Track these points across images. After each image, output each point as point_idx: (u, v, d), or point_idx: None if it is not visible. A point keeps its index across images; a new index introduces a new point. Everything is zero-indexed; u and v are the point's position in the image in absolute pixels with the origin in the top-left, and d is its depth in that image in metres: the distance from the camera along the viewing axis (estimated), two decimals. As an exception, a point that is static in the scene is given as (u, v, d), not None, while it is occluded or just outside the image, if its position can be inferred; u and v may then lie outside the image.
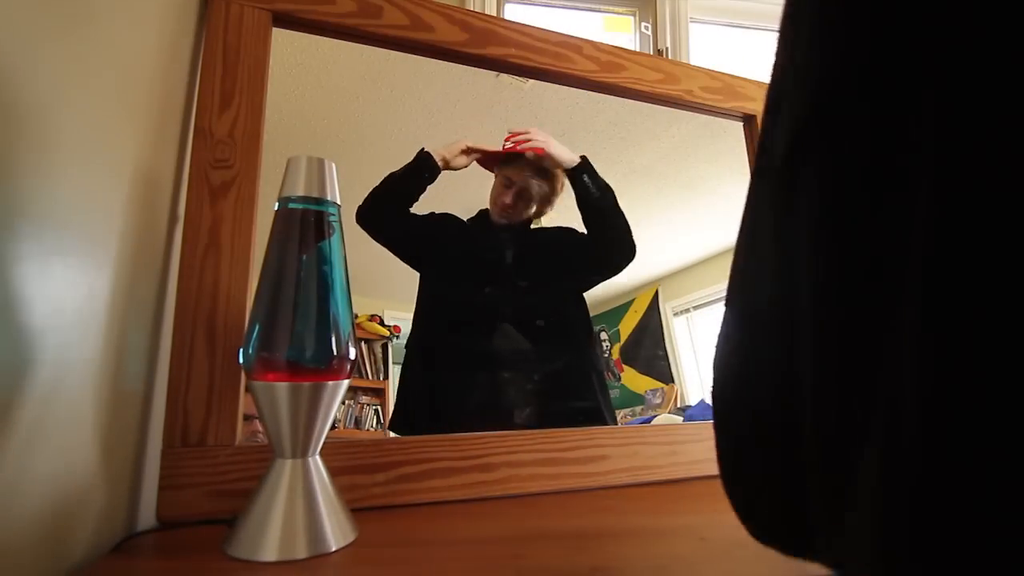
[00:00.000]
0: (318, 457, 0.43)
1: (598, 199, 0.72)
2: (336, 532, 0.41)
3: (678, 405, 0.76)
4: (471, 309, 0.65)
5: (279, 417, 0.41)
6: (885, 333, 0.16)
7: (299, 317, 0.42)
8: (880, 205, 0.17)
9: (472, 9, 1.03)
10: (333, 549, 0.40)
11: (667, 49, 1.25)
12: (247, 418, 0.51)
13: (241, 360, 0.42)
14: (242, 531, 0.39)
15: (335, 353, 0.42)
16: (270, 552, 0.38)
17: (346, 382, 0.44)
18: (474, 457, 0.58)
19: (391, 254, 0.65)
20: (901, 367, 0.16)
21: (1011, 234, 0.14)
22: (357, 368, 0.61)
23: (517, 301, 0.67)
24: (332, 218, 0.45)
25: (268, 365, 0.41)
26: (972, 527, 0.14)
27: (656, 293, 0.78)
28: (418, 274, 0.65)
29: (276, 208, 0.45)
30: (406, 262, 0.64)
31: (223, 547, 0.39)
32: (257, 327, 0.41)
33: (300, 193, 0.44)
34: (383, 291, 0.64)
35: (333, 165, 0.46)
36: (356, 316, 0.61)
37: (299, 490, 0.41)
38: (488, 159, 0.68)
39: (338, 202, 0.46)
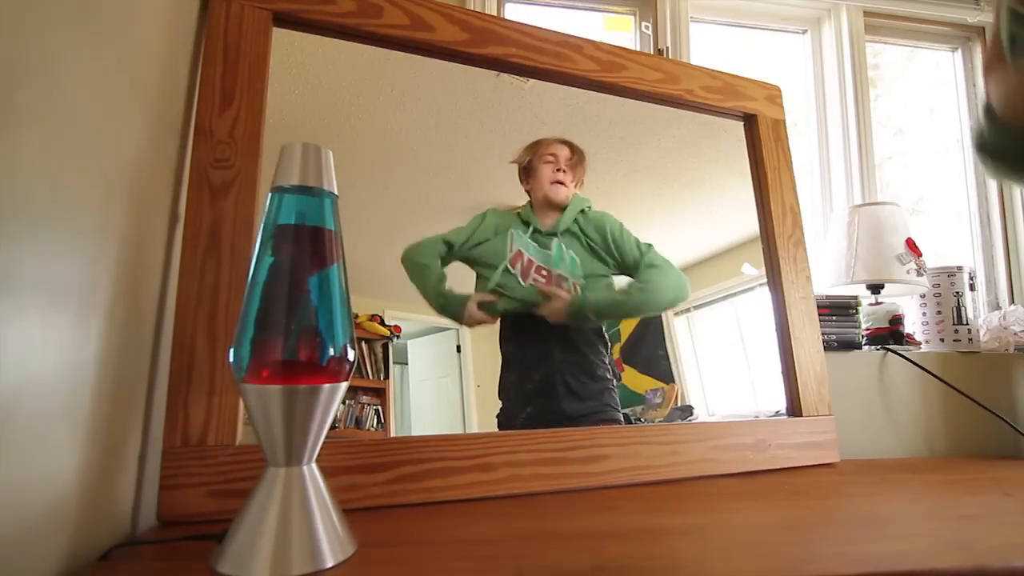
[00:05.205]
0: (314, 465, 0.40)
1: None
2: (335, 546, 0.38)
3: (678, 405, 0.76)
4: None
5: (272, 422, 0.38)
6: None
7: (295, 315, 0.39)
8: None
9: (472, 9, 1.03)
10: (330, 565, 0.37)
11: (667, 49, 1.25)
12: None
13: (232, 360, 0.39)
14: (232, 546, 0.37)
15: (332, 353, 0.39)
16: (261, 569, 0.35)
17: (344, 384, 0.41)
18: (475, 457, 0.58)
19: (392, 253, 0.65)
20: None
21: None
22: (357, 368, 0.61)
23: None
24: (328, 207, 0.42)
25: (261, 365, 0.38)
26: None
27: (656, 293, 0.78)
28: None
29: (269, 197, 0.42)
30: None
31: (211, 563, 0.37)
32: (250, 325, 0.39)
33: (295, 182, 0.41)
34: (383, 291, 0.63)
35: (330, 152, 0.43)
36: (356, 316, 0.61)
37: (293, 501, 0.38)
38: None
39: (335, 192, 0.43)
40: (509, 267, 0.68)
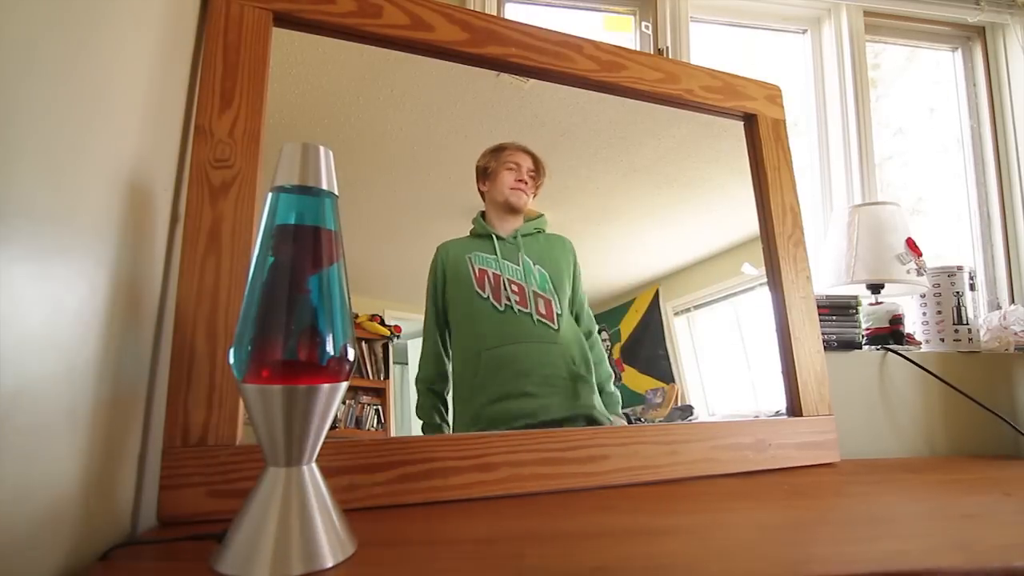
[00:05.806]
0: (314, 465, 0.40)
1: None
2: (335, 546, 0.38)
3: (678, 404, 0.76)
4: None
5: (272, 422, 0.38)
6: None
7: (295, 315, 0.39)
8: None
9: (472, 9, 1.03)
10: (330, 565, 0.37)
11: (667, 48, 1.25)
12: None
13: (232, 360, 0.39)
14: (232, 546, 0.37)
15: (332, 353, 0.40)
16: (261, 569, 0.35)
17: (344, 384, 0.41)
18: (474, 457, 0.58)
19: (392, 253, 0.65)
20: None
21: None
22: (357, 368, 0.61)
23: None
24: (328, 207, 0.42)
25: (261, 365, 0.38)
26: None
27: (656, 293, 0.78)
28: (412, 272, 0.66)
29: (269, 197, 0.42)
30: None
31: (211, 563, 0.37)
32: (250, 325, 0.39)
33: (295, 182, 0.41)
34: (383, 291, 0.63)
35: (330, 152, 0.43)
36: (356, 316, 0.61)
37: (293, 501, 0.38)
38: None
39: (335, 192, 0.43)
40: (478, 291, 0.67)
